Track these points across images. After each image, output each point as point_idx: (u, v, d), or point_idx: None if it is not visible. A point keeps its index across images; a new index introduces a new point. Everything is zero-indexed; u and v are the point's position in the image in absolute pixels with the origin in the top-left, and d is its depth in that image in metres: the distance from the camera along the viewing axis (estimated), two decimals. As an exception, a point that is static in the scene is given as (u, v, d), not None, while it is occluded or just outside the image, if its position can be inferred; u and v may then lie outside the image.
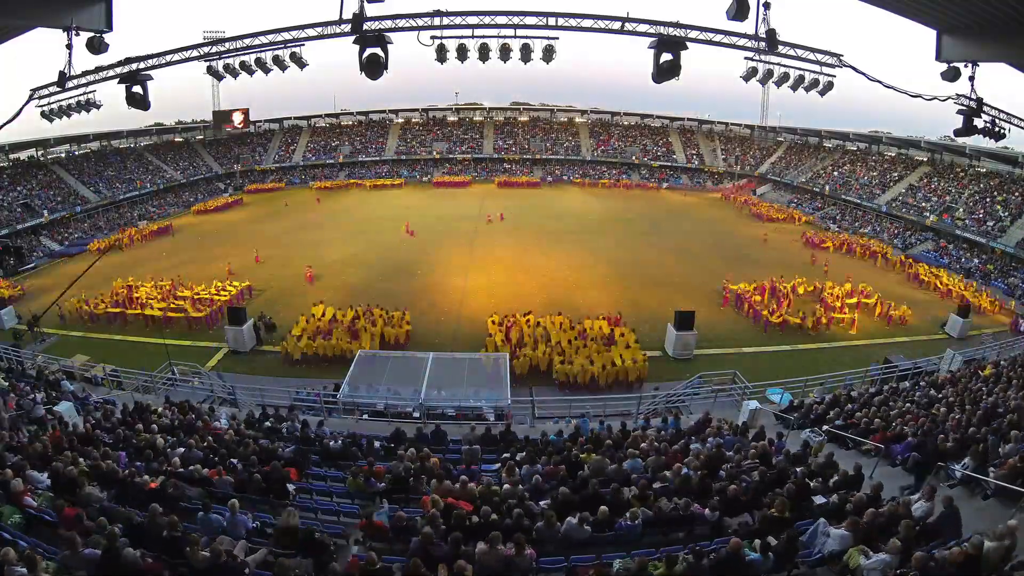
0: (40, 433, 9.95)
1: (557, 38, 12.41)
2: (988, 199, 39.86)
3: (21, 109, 11.46)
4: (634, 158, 68.12)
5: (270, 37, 12.62)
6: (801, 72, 12.86)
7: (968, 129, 12.54)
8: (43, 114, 12.54)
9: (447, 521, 6.85)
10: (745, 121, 70.34)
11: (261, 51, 12.74)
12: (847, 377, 17.07)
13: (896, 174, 49.16)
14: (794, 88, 13.04)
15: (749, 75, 13.24)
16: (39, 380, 15.05)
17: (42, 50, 13.13)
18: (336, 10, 10.76)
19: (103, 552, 5.45)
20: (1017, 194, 38.49)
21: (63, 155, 51.60)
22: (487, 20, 12.16)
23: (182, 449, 9.69)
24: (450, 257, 33.40)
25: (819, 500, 7.94)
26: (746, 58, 12.99)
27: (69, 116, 12.88)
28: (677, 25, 11.72)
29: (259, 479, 8.44)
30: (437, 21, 12.04)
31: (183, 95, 51.86)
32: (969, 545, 5.48)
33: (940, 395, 13.10)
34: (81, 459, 8.41)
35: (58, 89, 12.03)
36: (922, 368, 17.57)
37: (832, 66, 12.66)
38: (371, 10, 10.78)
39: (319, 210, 48.99)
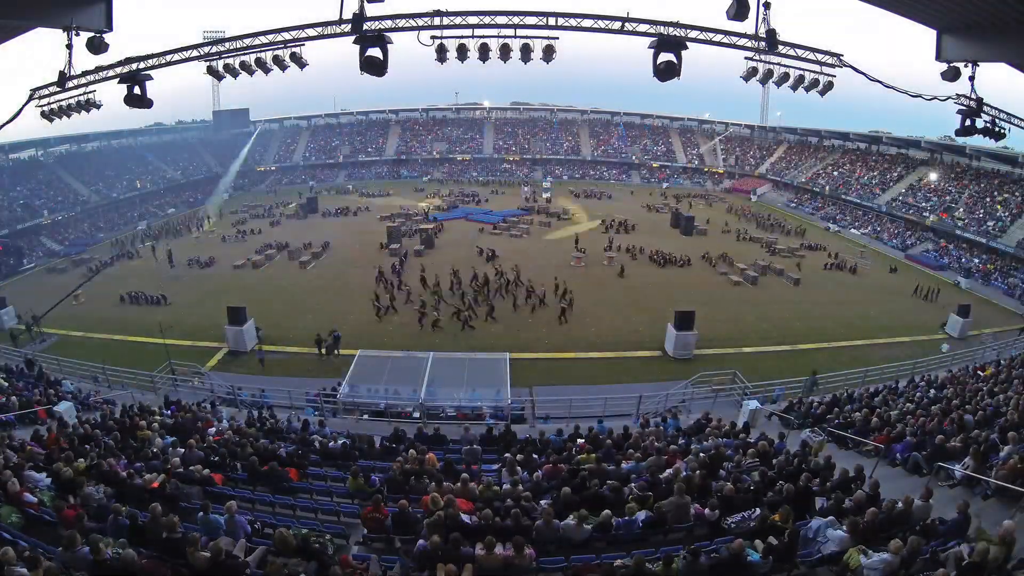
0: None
1: (557, 38, 12.37)
2: (988, 199, 39.88)
3: (21, 109, 11.45)
4: (634, 158, 68.17)
5: (270, 37, 12.57)
6: (801, 72, 12.84)
7: (968, 129, 12.53)
8: (43, 114, 12.50)
9: (447, 521, 6.84)
10: (745, 121, 70.46)
11: (261, 51, 12.70)
12: (846, 376, 17.10)
13: (896, 174, 49.20)
14: (794, 88, 13.02)
15: (749, 75, 13.21)
16: (39, 379, 15.07)
17: (42, 50, 13.12)
18: (336, 10, 10.76)
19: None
20: (1017, 194, 38.49)
21: (63, 155, 51.61)
22: (487, 20, 12.13)
23: (182, 449, 9.68)
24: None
25: (819, 500, 7.94)
26: (746, 58, 12.96)
27: (69, 116, 12.83)
28: (677, 25, 11.69)
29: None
30: (437, 21, 12.01)
31: (183, 95, 51.87)
32: (976, 552, 5.46)
33: (940, 395, 13.11)
34: (81, 459, 8.40)
35: (58, 89, 12.00)
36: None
37: (832, 66, 12.64)
38: (371, 10, 10.77)
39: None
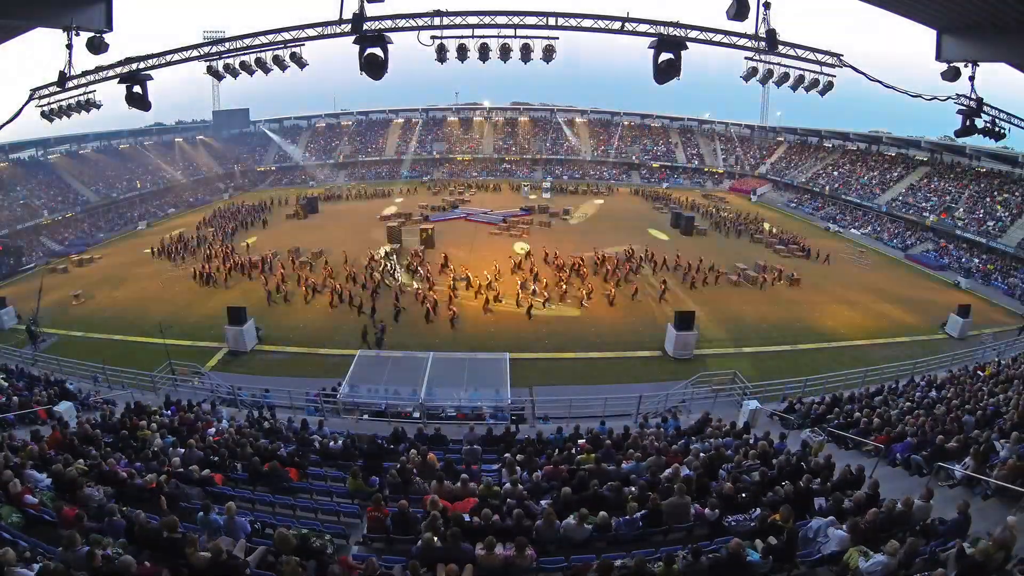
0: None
1: (557, 38, 12.39)
2: (988, 199, 39.86)
3: (21, 109, 11.45)
4: (634, 158, 68.17)
5: (270, 37, 12.59)
6: (801, 72, 12.85)
7: (968, 129, 12.52)
8: (43, 114, 12.50)
9: (447, 522, 6.83)
10: (745, 121, 70.44)
11: (261, 51, 12.71)
12: (846, 376, 17.08)
13: (896, 174, 49.18)
14: (794, 88, 13.04)
15: (749, 75, 13.23)
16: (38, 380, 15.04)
17: (42, 50, 13.13)
18: (336, 10, 10.77)
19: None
20: (1017, 194, 38.48)
21: (63, 155, 51.60)
22: (487, 20, 12.15)
23: (182, 449, 9.68)
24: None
25: (819, 500, 7.94)
26: (746, 58, 12.97)
27: (69, 116, 12.84)
28: (677, 25, 11.70)
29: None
30: (437, 21, 12.02)
31: (183, 95, 51.91)
32: (976, 551, 5.46)
33: (940, 395, 13.10)
34: (81, 459, 8.40)
35: (58, 89, 12.01)
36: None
37: (832, 66, 12.66)
38: (371, 10, 10.78)
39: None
